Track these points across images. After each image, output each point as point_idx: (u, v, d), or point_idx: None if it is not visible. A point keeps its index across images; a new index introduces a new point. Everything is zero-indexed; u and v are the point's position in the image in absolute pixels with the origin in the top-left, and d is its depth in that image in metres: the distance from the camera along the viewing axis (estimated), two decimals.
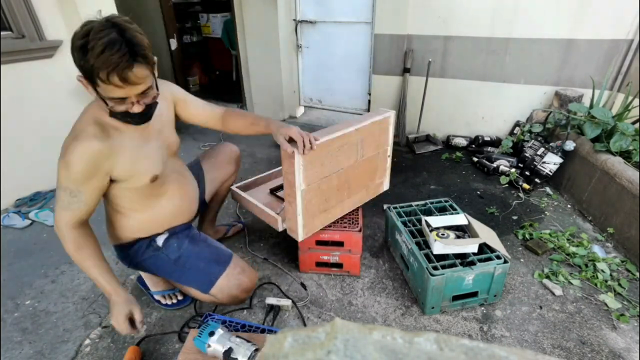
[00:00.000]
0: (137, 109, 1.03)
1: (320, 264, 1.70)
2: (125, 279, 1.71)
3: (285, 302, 1.49)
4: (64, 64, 2.40)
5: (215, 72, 5.60)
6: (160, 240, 1.34)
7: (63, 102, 2.45)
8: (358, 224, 1.63)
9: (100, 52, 0.88)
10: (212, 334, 1.04)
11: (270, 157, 3.03)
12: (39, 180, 2.43)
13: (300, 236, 1.47)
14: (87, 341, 1.41)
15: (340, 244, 1.62)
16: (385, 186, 1.82)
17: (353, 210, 1.70)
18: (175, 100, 1.34)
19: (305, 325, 1.48)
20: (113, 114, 1.05)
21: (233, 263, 1.36)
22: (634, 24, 2.39)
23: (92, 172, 1.08)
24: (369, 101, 3.55)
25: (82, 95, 2.54)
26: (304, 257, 1.69)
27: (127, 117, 1.06)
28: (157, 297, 1.55)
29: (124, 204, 1.25)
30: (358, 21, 3.35)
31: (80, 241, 1.14)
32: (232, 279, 1.33)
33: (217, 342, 1.03)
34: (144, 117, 1.09)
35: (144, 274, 1.55)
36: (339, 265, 1.69)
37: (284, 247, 1.90)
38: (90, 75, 0.93)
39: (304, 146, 1.22)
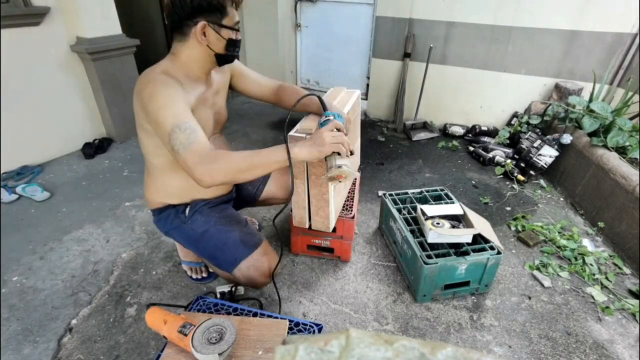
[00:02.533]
0: (239, 36, 1.16)
1: (311, 247, 1.70)
2: (116, 257, 1.69)
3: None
4: (53, 32, 2.30)
5: None
6: (187, 211, 1.32)
7: (50, 73, 2.36)
8: (352, 210, 1.61)
9: None
10: None
11: (265, 138, 2.98)
12: (26, 154, 2.36)
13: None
14: (76, 320, 1.40)
15: (332, 229, 1.61)
16: None
17: (348, 197, 1.69)
18: (232, 72, 1.37)
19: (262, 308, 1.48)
20: (227, 49, 1.14)
21: (261, 248, 1.32)
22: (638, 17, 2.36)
23: (181, 98, 1.04)
24: (367, 85, 3.49)
25: (70, 66, 2.44)
26: (295, 239, 1.68)
27: (236, 47, 1.16)
28: (184, 267, 1.59)
29: (161, 163, 1.22)
30: (360, 2, 3.25)
31: (221, 154, 1.02)
32: (256, 262, 1.29)
33: None
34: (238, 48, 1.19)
35: (177, 244, 1.58)
36: (330, 250, 1.69)
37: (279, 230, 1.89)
38: (222, 5, 1.06)
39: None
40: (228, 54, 1.15)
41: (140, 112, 1.08)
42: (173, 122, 0.99)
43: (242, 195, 1.57)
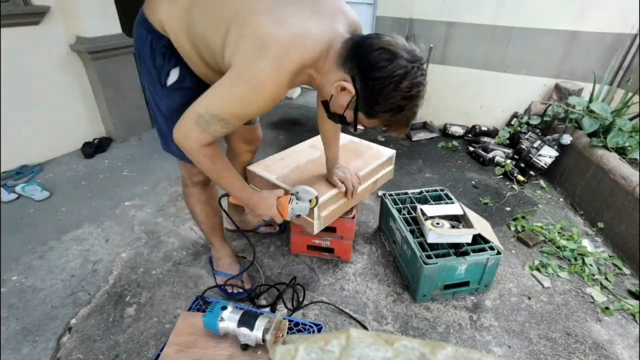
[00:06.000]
0: None
1: (311, 247, 1.70)
2: (115, 257, 1.68)
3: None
4: (52, 32, 2.29)
5: None
6: (173, 75, 1.07)
7: (50, 72, 2.35)
8: (352, 211, 1.61)
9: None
10: (224, 308, 1.00)
11: (264, 137, 2.96)
12: (25, 153, 2.36)
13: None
14: (75, 319, 1.40)
15: (332, 229, 1.61)
16: None
17: None
18: None
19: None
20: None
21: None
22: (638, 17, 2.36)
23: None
24: None
25: (70, 66, 2.44)
26: (295, 239, 1.68)
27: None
28: (218, 280, 1.53)
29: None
30: (360, 2, 3.25)
31: (214, 156, 1.03)
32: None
33: (231, 314, 0.98)
34: None
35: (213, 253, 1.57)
36: (330, 250, 1.69)
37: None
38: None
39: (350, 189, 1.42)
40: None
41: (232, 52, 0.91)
42: (231, 119, 0.95)
43: None
